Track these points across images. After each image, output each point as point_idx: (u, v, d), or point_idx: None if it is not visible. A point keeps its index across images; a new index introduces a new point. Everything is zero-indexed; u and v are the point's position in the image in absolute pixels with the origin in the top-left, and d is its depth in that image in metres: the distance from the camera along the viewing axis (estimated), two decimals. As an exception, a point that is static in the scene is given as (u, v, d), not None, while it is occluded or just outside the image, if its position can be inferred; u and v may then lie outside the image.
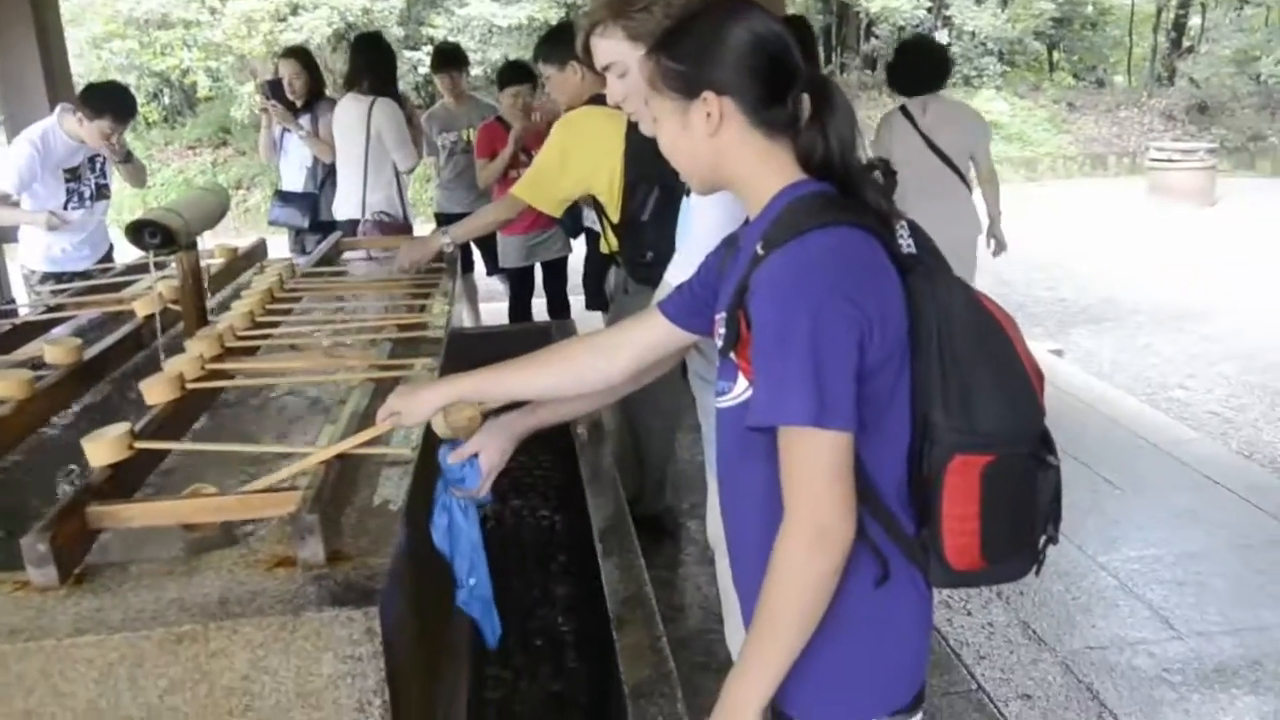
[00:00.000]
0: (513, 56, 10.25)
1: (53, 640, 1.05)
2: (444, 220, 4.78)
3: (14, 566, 1.15)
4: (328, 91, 4.97)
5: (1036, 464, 1.15)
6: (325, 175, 4.71)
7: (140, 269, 2.71)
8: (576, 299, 4.76)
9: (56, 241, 4.02)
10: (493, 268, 5.19)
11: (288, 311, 2.24)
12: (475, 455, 1.44)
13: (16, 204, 3.93)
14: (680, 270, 1.54)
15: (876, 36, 17.17)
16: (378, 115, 4.29)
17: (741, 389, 1.16)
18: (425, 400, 1.37)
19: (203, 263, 2.18)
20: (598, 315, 4.06)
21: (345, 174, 4.44)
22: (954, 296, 1.13)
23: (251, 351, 1.93)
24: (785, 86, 1.17)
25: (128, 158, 4.14)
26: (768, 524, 1.11)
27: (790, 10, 8.78)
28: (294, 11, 13.71)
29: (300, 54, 4.92)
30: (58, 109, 3.99)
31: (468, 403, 1.41)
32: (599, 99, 2.55)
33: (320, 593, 1.11)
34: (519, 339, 3.16)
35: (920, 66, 4.20)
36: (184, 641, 1.06)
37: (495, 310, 5.46)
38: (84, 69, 12.53)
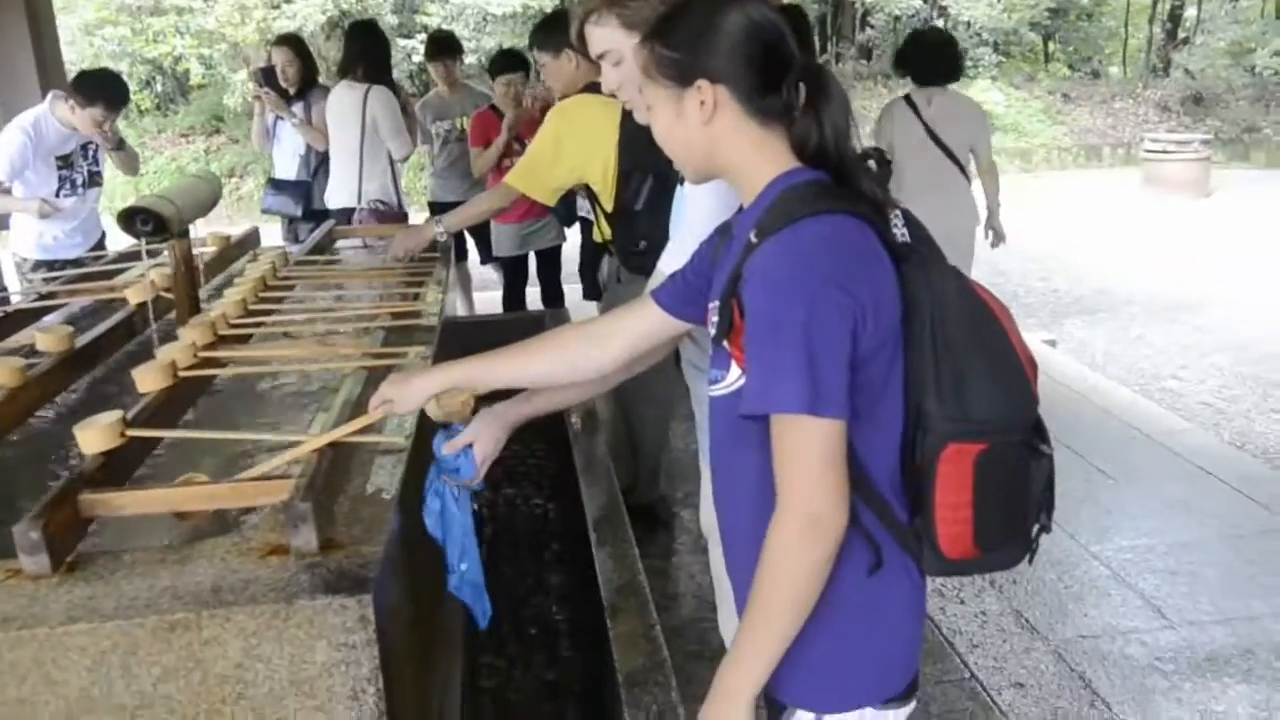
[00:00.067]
0: (507, 44, 10.21)
1: (45, 628, 1.05)
2: (438, 209, 4.76)
3: (6, 554, 1.14)
4: (321, 79, 4.96)
5: (1030, 452, 1.15)
6: (318, 163, 4.70)
7: (132, 257, 2.69)
8: (571, 288, 4.76)
9: (48, 229, 4.01)
10: (487, 256, 5.17)
11: (281, 300, 2.23)
12: (470, 445, 1.43)
13: (8, 191, 3.91)
14: (674, 259, 1.53)
15: (872, 26, 17.17)
16: (373, 103, 4.28)
17: (734, 377, 1.16)
18: (418, 388, 1.37)
19: (195, 251, 2.17)
20: (592, 304, 4.06)
21: (339, 162, 4.41)
22: (948, 285, 1.13)
23: (244, 340, 1.92)
24: (780, 75, 1.16)
25: (120, 145, 4.13)
26: (760, 512, 1.11)
27: (786, -1, 8.75)
28: (287, -2, 13.68)
29: (293, 41, 4.91)
30: (50, 96, 3.98)
31: (460, 389, 1.41)
32: (593, 87, 2.54)
33: (313, 581, 1.11)
34: (513, 328, 3.16)
35: (939, 58, 4.20)
36: (177, 629, 1.06)
37: (489, 299, 5.46)
38: (76, 56, 12.49)
